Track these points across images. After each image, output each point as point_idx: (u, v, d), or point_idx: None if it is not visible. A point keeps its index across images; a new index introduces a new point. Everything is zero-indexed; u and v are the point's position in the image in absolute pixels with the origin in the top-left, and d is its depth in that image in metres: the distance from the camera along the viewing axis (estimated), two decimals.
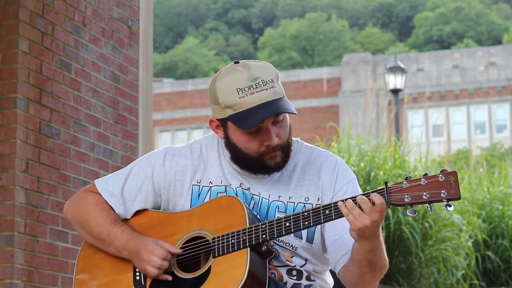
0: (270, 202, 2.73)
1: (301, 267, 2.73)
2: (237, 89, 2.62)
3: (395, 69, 20.21)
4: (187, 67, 58.76)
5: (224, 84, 2.65)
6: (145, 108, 6.40)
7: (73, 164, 5.56)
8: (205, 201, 2.75)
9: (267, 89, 2.62)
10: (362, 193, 2.76)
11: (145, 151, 6.31)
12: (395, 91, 19.92)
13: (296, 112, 2.64)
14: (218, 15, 68.40)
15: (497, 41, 55.87)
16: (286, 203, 2.73)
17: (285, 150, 2.70)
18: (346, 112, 33.53)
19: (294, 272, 2.73)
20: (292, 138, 2.82)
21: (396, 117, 18.24)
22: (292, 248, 2.72)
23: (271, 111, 2.60)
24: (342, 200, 2.54)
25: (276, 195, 2.74)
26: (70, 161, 5.54)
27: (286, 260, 2.73)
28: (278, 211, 2.72)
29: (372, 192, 2.51)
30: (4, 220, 5.08)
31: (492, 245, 9.90)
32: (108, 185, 2.85)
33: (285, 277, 2.71)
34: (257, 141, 2.66)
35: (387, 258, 2.66)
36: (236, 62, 2.71)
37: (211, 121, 2.75)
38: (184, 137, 38.39)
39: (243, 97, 2.61)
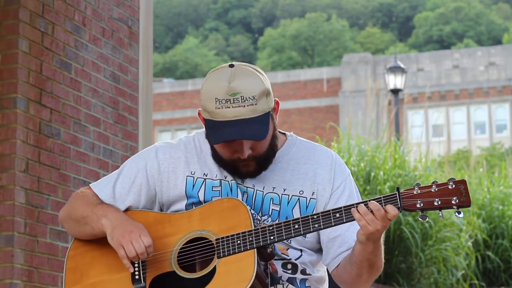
0: (264, 194, 2.74)
1: (296, 259, 2.74)
2: (215, 98, 2.62)
3: (395, 69, 20.20)
4: (187, 67, 58.74)
5: (207, 88, 2.66)
6: (145, 108, 6.40)
7: (73, 164, 5.56)
8: (205, 202, 2.74)
9: (244, 106, 2.60)
10: (357, 191, 2.83)
11: None
12: (395, 91, 19.92)
13: (263, 139, 2.63)
14: (218, 15, 68.38)
15: (497, 41, 55.85)
16: (280, 195, 2.74)
17: (260, 161, 2.71)
18: (346, 112, 33.51)
19: (289, 266, 2.74)
20: (287, 136, 2.85)
21: (396, 117, 18.24)
22: (287, 240, 2.72)
23: (234, 134, 2.60)
24: (353, 205, 2.58)
25: (271, 186, 2.75)
26: (70, 161, 5.54)
27: (282, 253, 2.73)
28: (273, 203, 2.74)
29: (384, 197, 2.56)
30: (4, 220, 5.08)
31: (492, 245, 9.90)
32: (101, 183, 2.88)
33: (280, 271, 2.72)
34: (230, 149, 2.68)
35: (383, 259, 2.71)
36: (231, 66, 2.69)
37: (199, 113, 2.75)
38: None
39: (219, 108, 2.62)
